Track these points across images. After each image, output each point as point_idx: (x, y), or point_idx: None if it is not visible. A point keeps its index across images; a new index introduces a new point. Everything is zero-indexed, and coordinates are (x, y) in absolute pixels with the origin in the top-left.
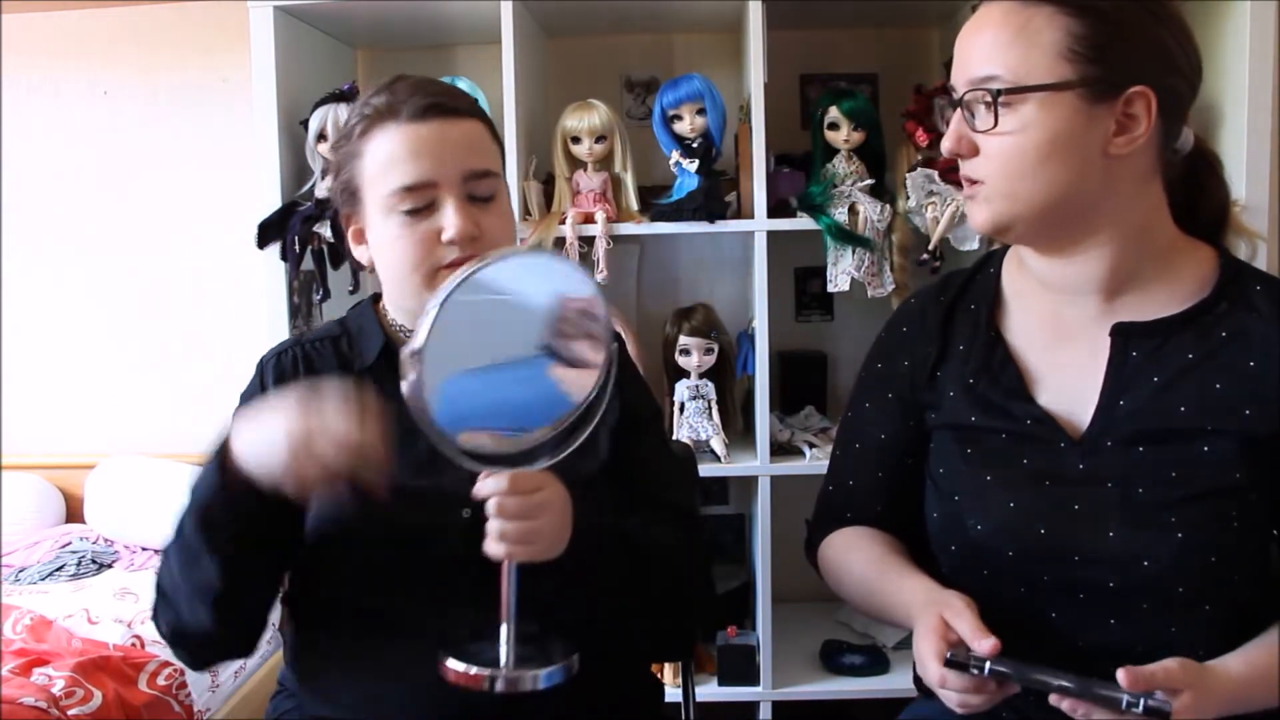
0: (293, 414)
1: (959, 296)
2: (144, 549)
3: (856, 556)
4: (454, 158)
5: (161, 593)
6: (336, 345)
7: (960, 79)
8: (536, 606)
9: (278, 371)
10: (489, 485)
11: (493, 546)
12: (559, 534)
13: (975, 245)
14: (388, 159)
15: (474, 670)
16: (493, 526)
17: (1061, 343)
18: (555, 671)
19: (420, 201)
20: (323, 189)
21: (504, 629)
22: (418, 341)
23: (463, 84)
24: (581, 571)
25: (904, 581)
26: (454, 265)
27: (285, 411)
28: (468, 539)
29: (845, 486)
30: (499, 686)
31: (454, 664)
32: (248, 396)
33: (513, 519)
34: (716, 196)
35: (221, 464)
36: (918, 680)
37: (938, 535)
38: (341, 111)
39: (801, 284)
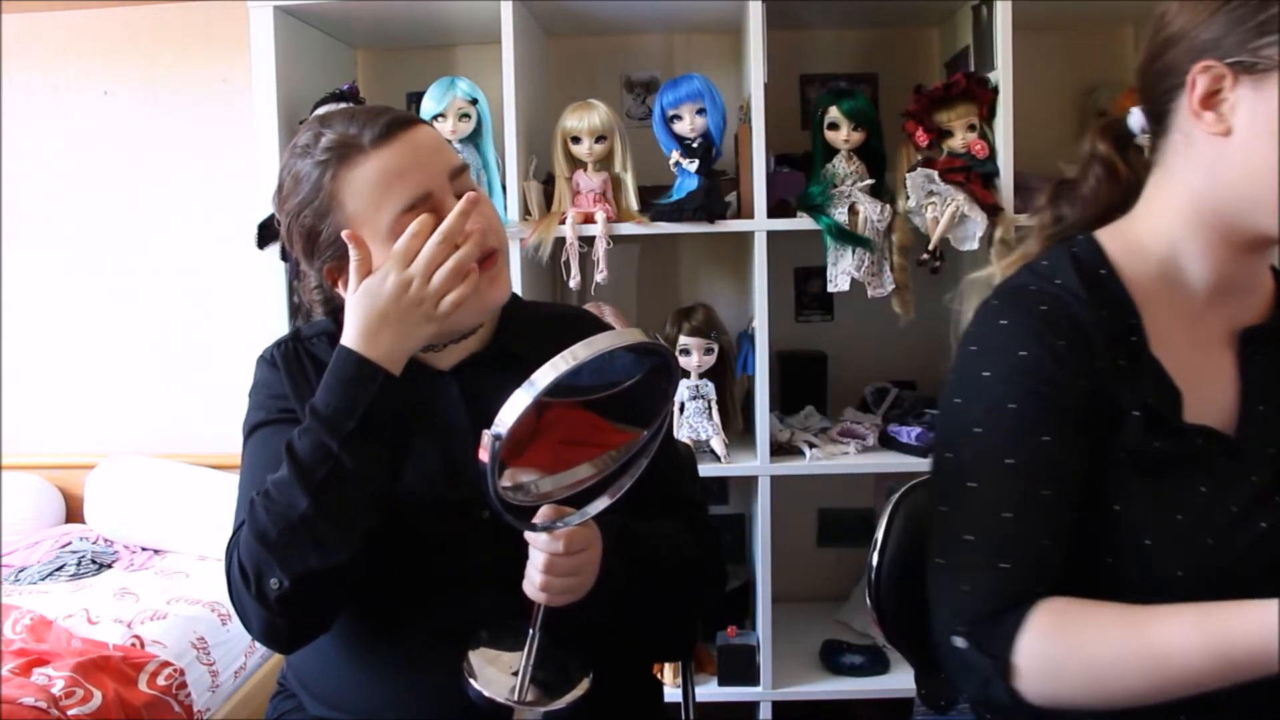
0: (388, 273)
1: (1090, 301)
2: (144, 549)
3: (1113, 634)
4: (435, 163)
5: (276, 549)
6: (334, 342)
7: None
8: (556, 617)
9: (284, 360)
10: (543, 543)
11: (533, 594)
12: (593, 578)
13: (975, 245)
14: (376, 189)
15: (488, 694)
16: (537, 578)
17: (1195, 350)
18: (559, 711)
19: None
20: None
21: (523, 664)
22: (503, 427)
23: (463, 84)
24: (606, 597)
25: (1218, 617)
26: (486, 261)
27: (378, 282)
28: (488, 540)
29: (1032, 554)
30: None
31: (474, 684)
32: (257, 388)
33: (561, 576)
34: (716, 196)
35: (365, 373)
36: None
37: (1116, 579)
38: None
39: (801, 284)
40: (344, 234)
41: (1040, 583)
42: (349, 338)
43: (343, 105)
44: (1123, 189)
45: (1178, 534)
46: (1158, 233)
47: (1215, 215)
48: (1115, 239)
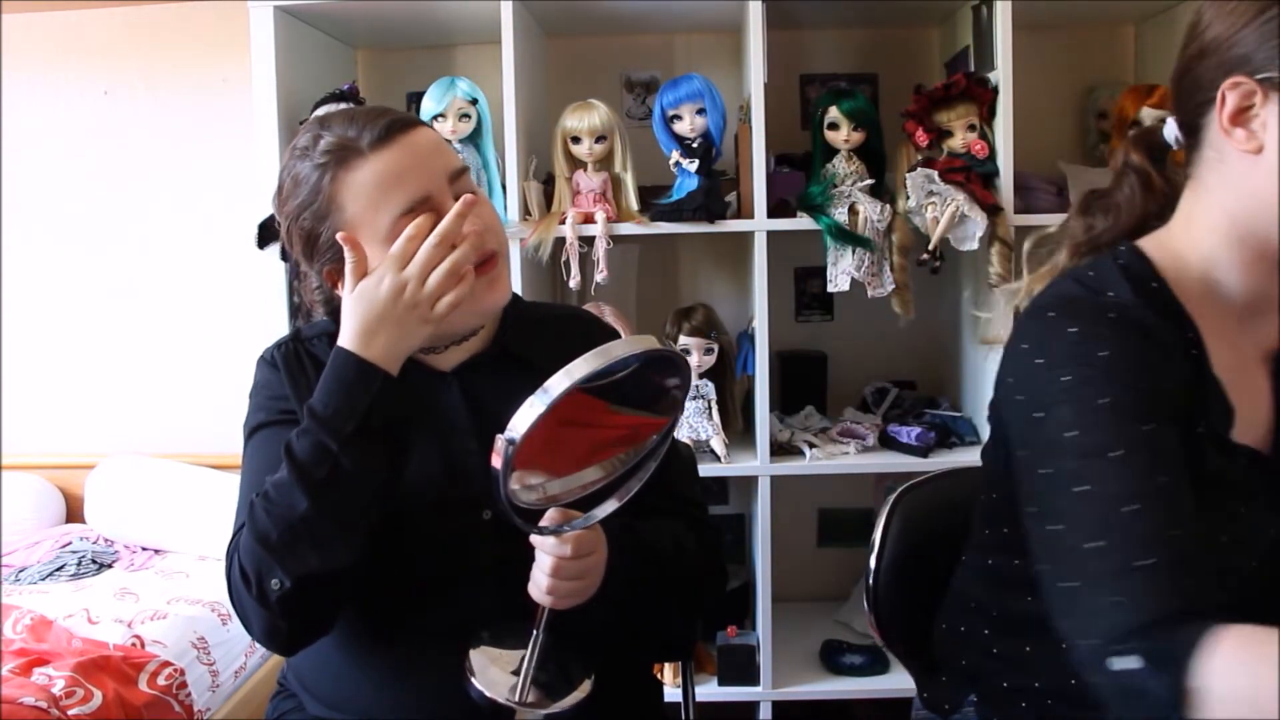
0: (384, 274)
1: (1151, 312)
2: (144, 549)
3: None
4: (434, 165)
5: (277, 550)
6: (334, 342)
7: None
8: (559, 618)
9: (284, 360)
10: (550, 547)
11: (539, 597)
12: (599, 581)
13: (975, 245)
14: (374, 192)
15: (489, 694)
16: (543, 581)
17: (1235, 368)
18: (561, 714)
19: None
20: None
21: (525, 665)
22: (517, 433)
23: (463, 84)
24: (609, 599)
25: None
26: (486, 264)
27: (373, 283)
28: (489, 541)
29: (1170, 544)
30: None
31: (476, 684)
32: (258, 389)
33: (567, 579)
34: (716, 196)
35: (364, 374)
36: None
37: None
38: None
39: (801, 284)
40: (339, 236)
41: (1190, 575)
42: (346, 339)
43: (343, 106)
44: (1158, 200)
45: (1220, 556)
46: (1195, 247)
47: (1249, 232)
48: (1160, 250)
